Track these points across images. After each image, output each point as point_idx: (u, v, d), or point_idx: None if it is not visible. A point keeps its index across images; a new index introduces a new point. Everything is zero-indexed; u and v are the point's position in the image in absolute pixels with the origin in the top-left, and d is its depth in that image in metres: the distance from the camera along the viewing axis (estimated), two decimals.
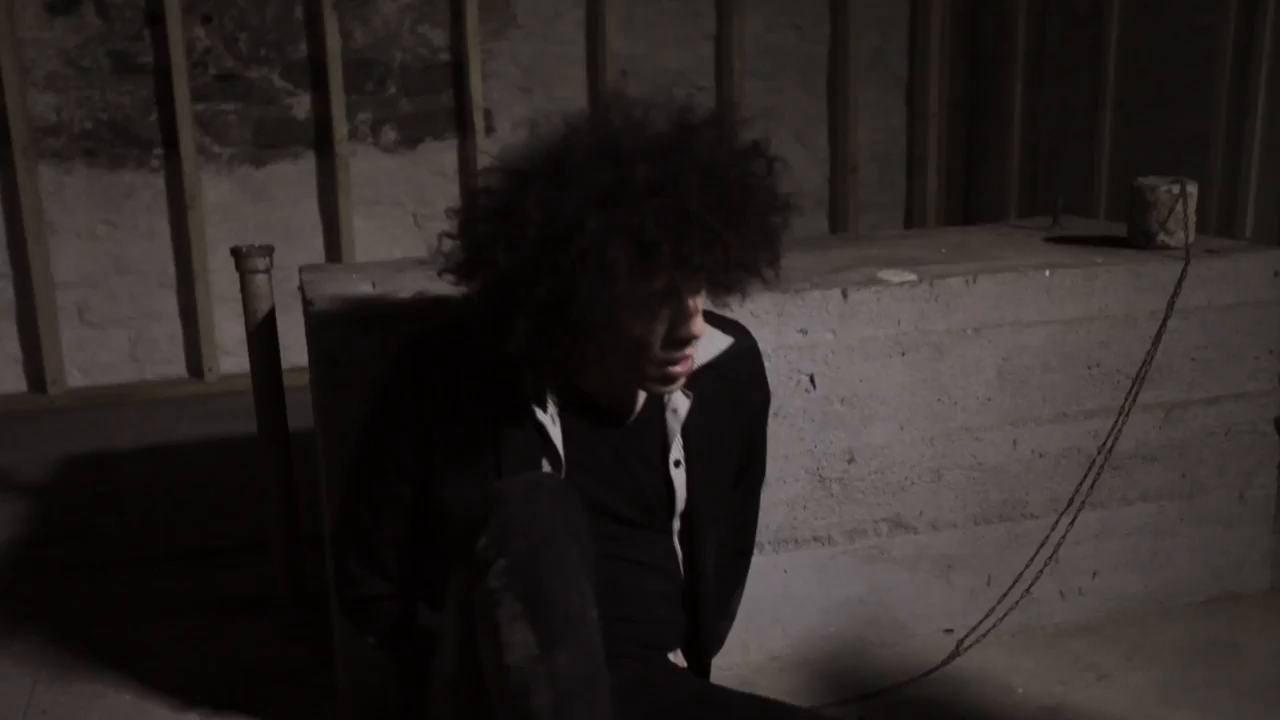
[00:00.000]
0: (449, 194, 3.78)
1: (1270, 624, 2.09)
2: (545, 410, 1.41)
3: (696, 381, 1.45)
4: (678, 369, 1.36)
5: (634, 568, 1.48)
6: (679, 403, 1.46)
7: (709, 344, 1.48)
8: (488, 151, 3.76)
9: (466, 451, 1.42)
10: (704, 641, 1.57)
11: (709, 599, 1.55)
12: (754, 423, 1.60)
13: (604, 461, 1.45)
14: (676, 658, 1.56)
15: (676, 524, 1.51)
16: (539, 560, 1.23)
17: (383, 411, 1.46)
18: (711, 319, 1.50)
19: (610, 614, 1.35)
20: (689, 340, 1.33)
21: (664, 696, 1.46)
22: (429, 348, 1.43)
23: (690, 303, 1.31)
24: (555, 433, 1.42)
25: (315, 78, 3.65)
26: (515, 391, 1.41)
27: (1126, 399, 2.03)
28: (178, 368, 3.71)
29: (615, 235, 1.23)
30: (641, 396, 1.47)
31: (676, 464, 1.47)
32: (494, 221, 1.31)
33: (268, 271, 2.10)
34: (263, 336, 2.09)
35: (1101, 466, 2.03)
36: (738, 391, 1.54)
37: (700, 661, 1.58)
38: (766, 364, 1.83)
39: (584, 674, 1.21)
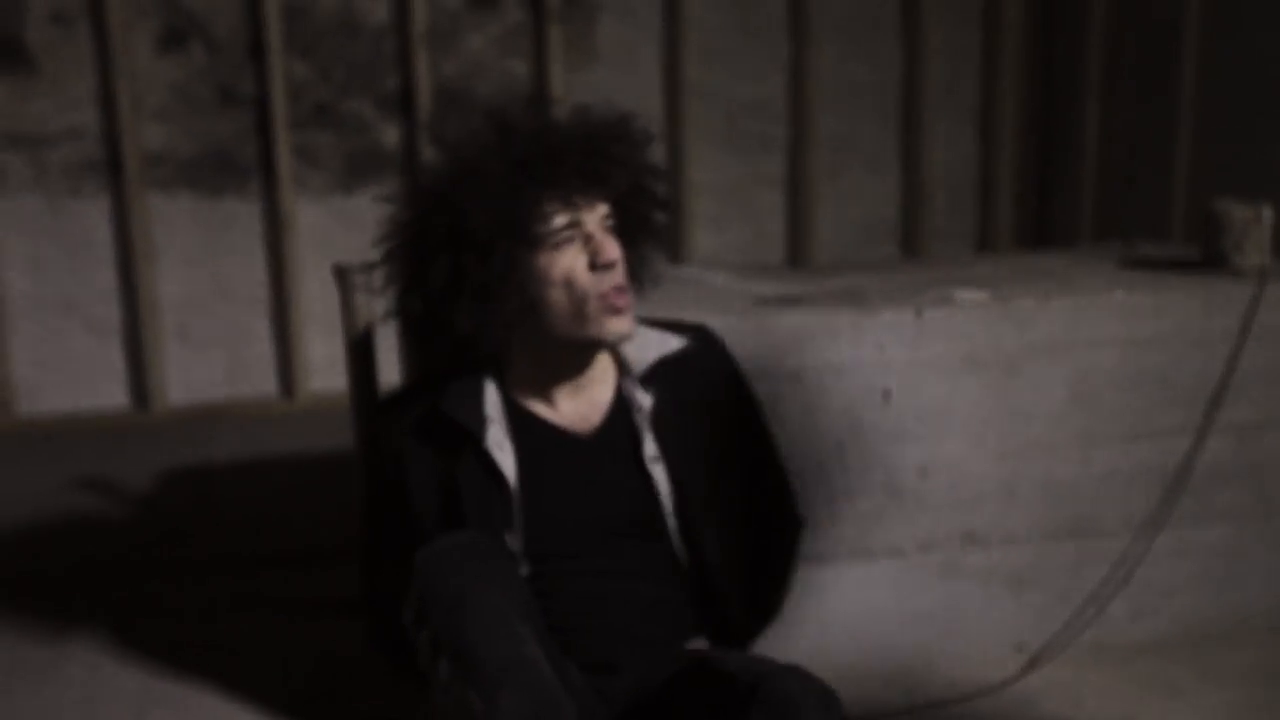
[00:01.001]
0: None
1: None
2: (486, 439, 1.48)
3: (654, 379, 1.53)
4: (617, 298, 1.44)
5: (624, 578, 1.52)
6: (642, 400, 1.52)
7: (661, 343, 1.57)
8: None
9: (435, 500, 1.51)
10: (734, 633, 1.60)
11: (725, 592, 1.57)
12: (737, 415, 1.64)
13: (575, 479, 1.51)
14: (700, 644, 1.59)
15: (673, 523, 1.53)
16: (458, 622, 1.33)
17: (389, 488, 1.56)
18: (667, 325, 1.60)
19: (603, 625, 1.45)
20: (610, 264, 1.43)
21: (658, 682, 1.49)
22: (391, 410, 1.55)
23: (595, 230, 1.44)
24: (504, 458, 1.48)
25: (404, 108, 3.80)
26: (469, 429, 1.49)
27: (1204, 419, 2.04)
28: (270, 386, 3.86)
29: (498, 166, 1.41)
30: (602, 404, 1.53)
31: (654, 459, 1.52)
32: (406, 231, 1.48)
33: (367, 289, 2.21)
34: (360, 351, 2.20)
35: (1178, 486, 2.04)
36: (706, 387, 1.60)
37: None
38: (840, 378, 1.90)
39: (529, 711, 1.29)
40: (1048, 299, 2.00)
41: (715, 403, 1.60)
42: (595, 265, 1.45)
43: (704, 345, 1.64)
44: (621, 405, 1.55)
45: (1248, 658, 2.05)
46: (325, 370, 3.73)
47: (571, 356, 1.52)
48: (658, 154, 3.89)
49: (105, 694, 2.03)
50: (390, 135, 3.83)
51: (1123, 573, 2.08)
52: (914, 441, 1.98)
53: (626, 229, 1.51)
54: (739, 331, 1.90)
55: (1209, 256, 2.17)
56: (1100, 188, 3.75)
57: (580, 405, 1.54)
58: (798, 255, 4.07)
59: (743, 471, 1.63)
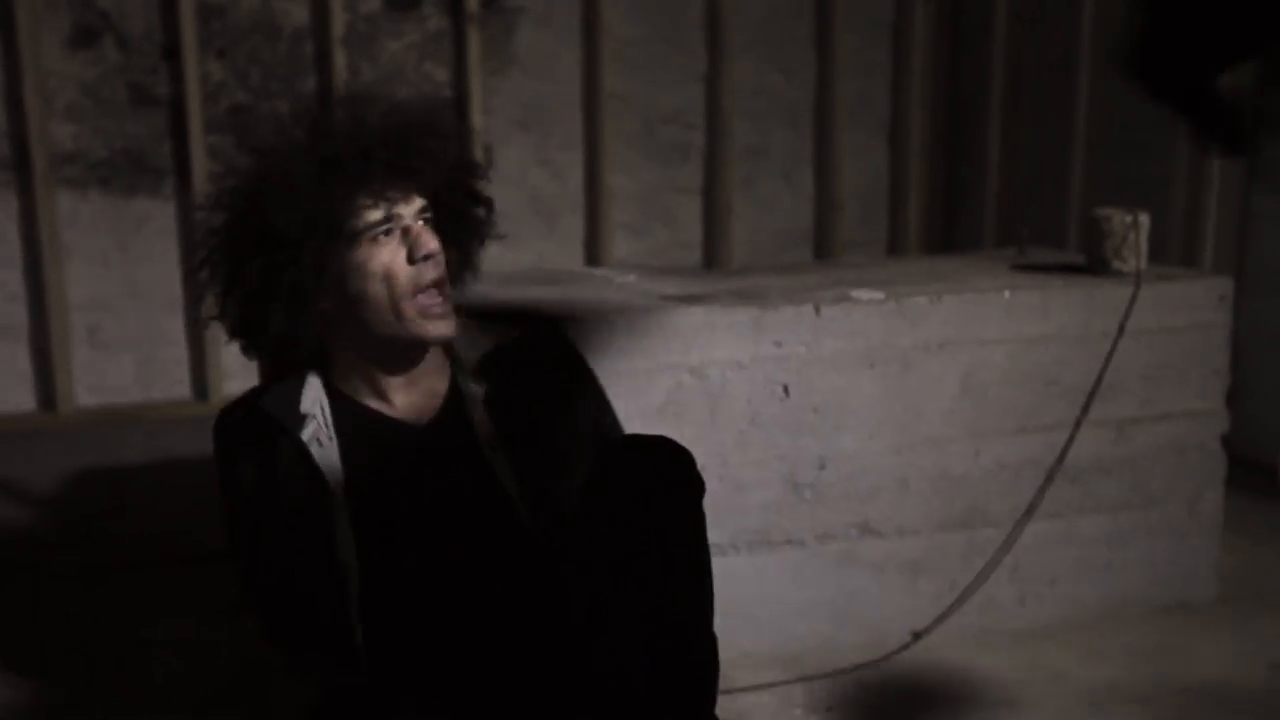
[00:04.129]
0: None
1: (1217, 631, 2.20)
2: (302, 433, 1.48)
3: (485, 369, 1.55)
4: (433, 299, 1.47)
5: (471, 574, 1.50)
6: (476, 390, 1.54)
7: (492, 333, 1.59)
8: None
9: (259, 501, 1.51)
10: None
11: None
12: (577, 402, 1.64)
13: (410, 470, 1.52)
14: None
15: (524, 511, 1.51)
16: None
17: (222, 484, 1.55)
18: (501, 316, 1.65)
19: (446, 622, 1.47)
20: (428, 255, 1.46)
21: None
22: (225, 421, 1.54)
23: (412, 224, 1.46)
24: (324, 453, 1.49)
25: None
26: (285, 426, 1.49)
27: (1081, 414, 2.16)
28: (183, 389, 3.83)
29: (305, 164, 1.44)
30: (437, 396, 1.54)
31: (493, 447, 1.52)
32: (218, 236, 1.48)
33: None
34: None
35: (1052, 478, 2.15)
36: (542, 375, 1.61)
37: None
38: (741, 373, 1.97)
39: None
40: (940, 298, 2.10)
41: (553, 390, 1.61)
42: (413, 258, 1.46)
43: (539, 334, 1.67)
44: (457, 396, 1.56)
45: (1127, 640, 2.17)
46: (240, 373, 3.71)
47: (399, 353, 1.53)
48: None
49: (12, 696, 2.02)
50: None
51: (1010, 561, 2.18)
52: (813, 435, 2.06)
53: (445, 224, 1.53)
54: (644, 326, 1.97)
55: (1092, 261, 2.29)
56: (1003, 198, 3.90)
57: (414, 397, 1.55)
58: (714, 261, 4.16)
59: (578, 464, 1.59)
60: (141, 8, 3.62)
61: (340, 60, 3.76)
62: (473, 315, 1.62)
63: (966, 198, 4.15)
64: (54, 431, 3.61)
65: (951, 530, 2.15)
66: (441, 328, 1.49)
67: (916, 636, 2.13)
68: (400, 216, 1.46)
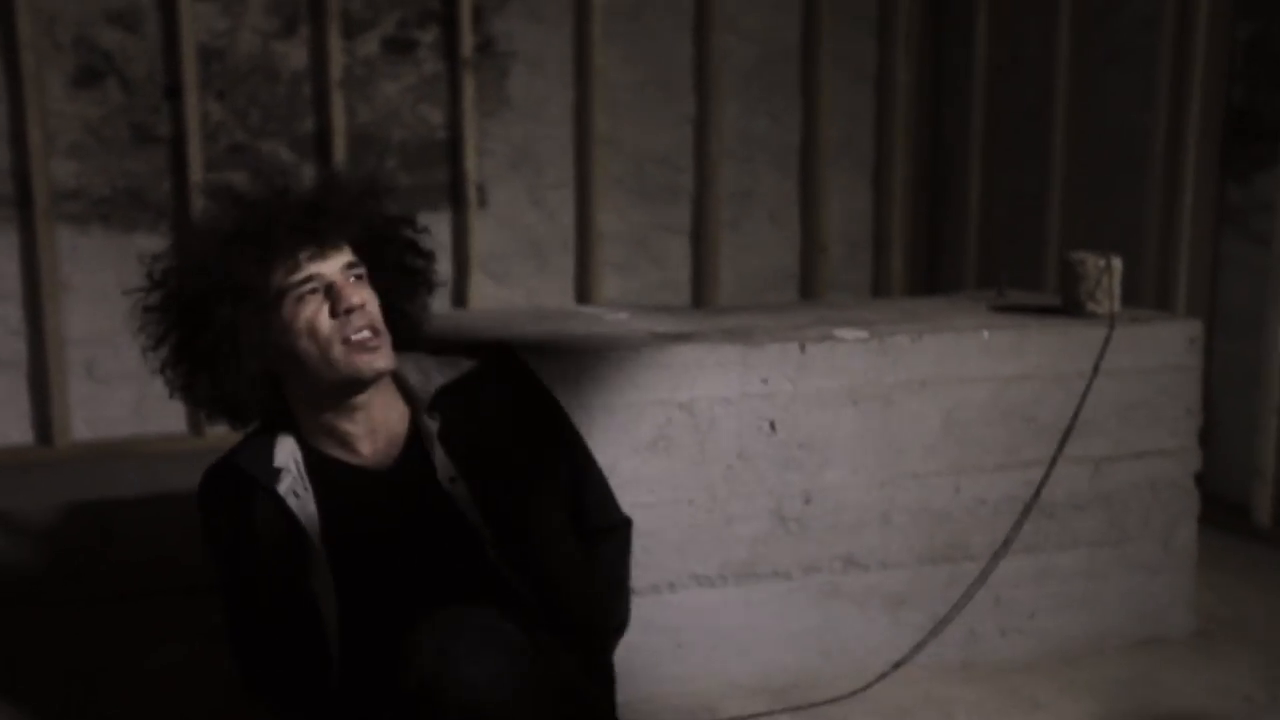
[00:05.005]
0: (442, 263, 3.97)
1: (1192, 665, 2.25)
2: (278, 486, 1.53)
3: (441, 404, 1.59)
4: (362, 334, 1.50)
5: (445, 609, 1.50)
6: (428, 426, 1.58)
7: (445, 368, 1.63)
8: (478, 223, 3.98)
9: (251, 563, 1.55)
10: (585, 647, 1.64)
11: (564, 605, 1.60)
12: (538, 428, 1.66)
13: (379, 514, 1.56)
14: None
15: (489, 540, 1.54)
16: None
17: (206, 542, 1.60)
18: (456, 351, 1.67)
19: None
20: (350, 309, 1.50)
21: None
22: (206, 481, 1.59)
23: (337, 279, 1.51)
24: (300, 505, 1.53)
25: (320, 151, 3.87)
26: (260, 481, 1.54)
27: (1056, 451, 2.21)
28: (178, 423, 3.86)
29: (212, 235, 1.52)
30: (398, 438, 1.58)
31: (451, 480, 1.55)
32: (145, 313, 1.55)
33: None
34: None
35: (1028, 513, 2.20)
36: (499, 405, 1.63)
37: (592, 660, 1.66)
38: (729, 409, 2.02)
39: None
40: (921, 337, 2.16)
41: (511, 419, 1.63)
42: (335, 312, 1.50)
43: (494, 364, 1.68)
44: (416, 435, 1.59)
45: (1106, 672, 2.21)
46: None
47: (346, 399, 1.55)
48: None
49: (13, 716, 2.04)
50: (306, 177, 3.88)
51: (990, 594, 2.22)
52: (798, 470, 2.11)
53: (381, 275, 1.58)
54: (634, 363, 2.02)
55: (1068, 303, 2.35)
56: (982, 242, 3.98)
57: (378, 443, 1.58)
58: (701, 301, 4.22)
59: (555, 482, 1.66)
60: (145, 50, 3.68)
61: (338, 102, 3.83)
62: (430, 351, 1.66)
63: (948, 241, 4.23)
64: (51, 464, 3.63)
65: (933, 564, 2.20)
66: (375, 361, 1.52)
67: (897, 667, 2.17)
68: (320, 275, 1.51)
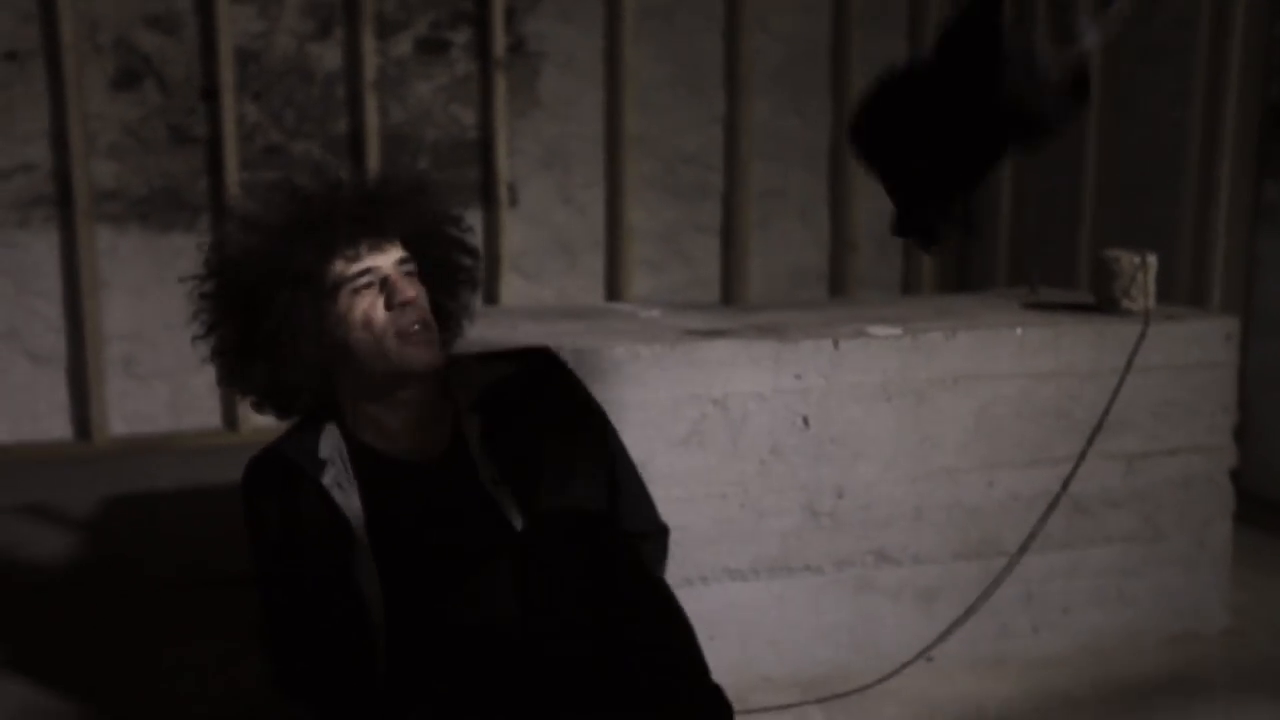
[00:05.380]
0: None
1: (1226, 659, 2.24)
2: (323, 478, 1.54)
3: (485, 406, 1.62)
4: (415, 328, 1.54)
5: (484, 606, 1.54)
6: (470, 426, 1.60)
7: (488, 371, 1.66)
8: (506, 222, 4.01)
9: (297, 553, 1.56)
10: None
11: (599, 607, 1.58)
12: (578, 433, 1.67)
13: (422, 509, 1.57)
14: None
15: (530, 543, 1.54)
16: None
17: (251, 534, 1.60)
18: (500, 353, 1.70)
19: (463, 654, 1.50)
20: (404, 302, 1.54)
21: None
22: (251, 469, 1.60)
23: (391, 274, 1.54)
24: (345, 497, 1.55)
25: (354, 151, 3.91)
26: (305, 470, 1.55)
27: (1085, 447, 2.20)
28: (213, 419, 3.91)
29: (277, 225, 1.56)
30: (443, 436, 1.59)
31: (495, 482, 1.58)
32: (205, 298, 1.57)
33: None
34: None
35: (1055, 506, 2.19)
36: (540, 408, 1.64)
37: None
38: (763, 404, 2.03)
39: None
40: (954, 333, 2.16)
41: (552, 423, 1.64)
42: (390, 304, 1.54)
43: (536, 368, 1.70)
44: (461, 435, 1.61)
45: (1139, 669, 2.20)
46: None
47: (395, 392, 1.58)
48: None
49: (47, 713, 2.07)
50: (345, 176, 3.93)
51: (1023, 590, 2.22)
52: (831, 465, 2.11)
53: (429, 272, 1.61)
54: (668, 360, 2.03)
55: (1101, 300, 2.35)
56: (1014, 240, 3.97)
57: (422, 439, 1.61)
58: (731, 298, 4.23)
59: (594, 486, 1.66)
60: (182, 52, 3.74)
61: (371, 102, 3.87)
62: (472, 355, 1.69)
63: (979, 240, 4.22)
64: (89, 459, 3.69)
65: (966, 559, 2.20)
66: (423, 354, 1.56)
67: (930, 661, 2.17)
68: (377, 268, 1.55)
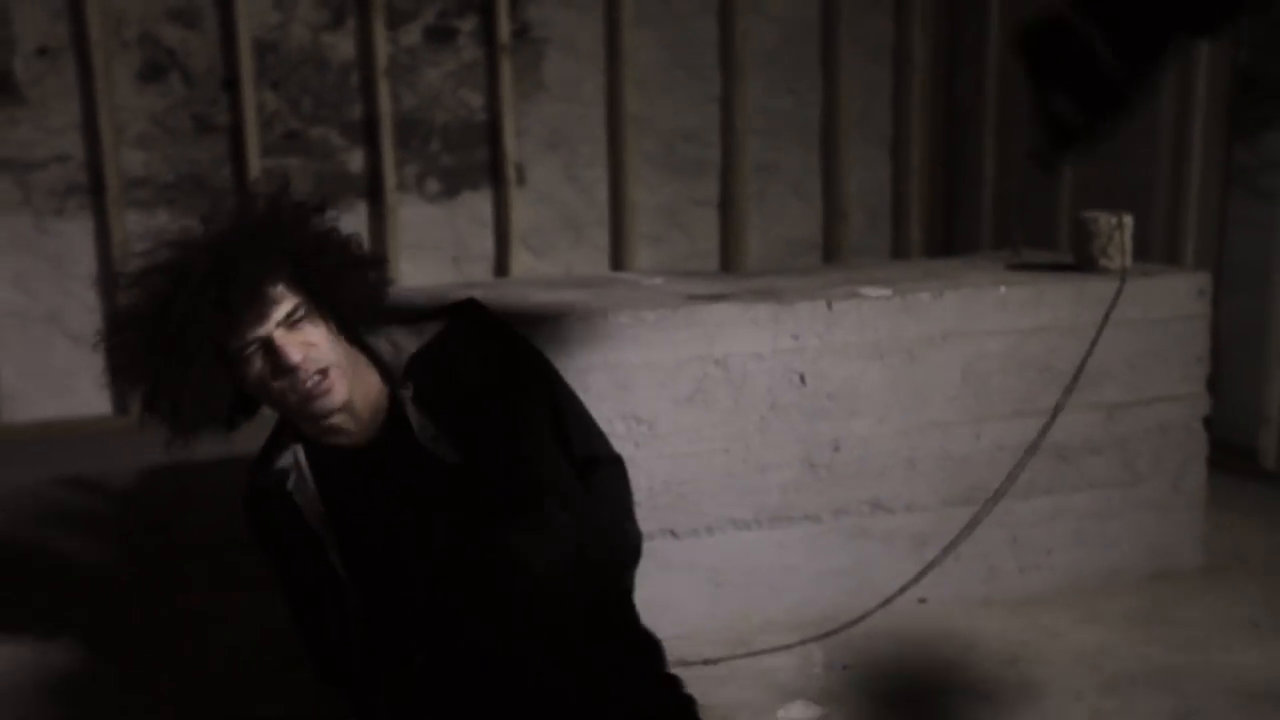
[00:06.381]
0: (484, 239, 4.03)
1: (1200, 596, 2.26)
2: (289, 485, 1.55)
3: (414, 370, 1.59)
4: (309, 383, 1.48)
5: (451, 568, 1.53)
6: (404, 393, 1.58)
7: (414, 338, 1.62)
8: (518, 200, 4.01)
9: (291, 564, 1.60)
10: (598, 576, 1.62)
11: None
12: (514, 372, 1.64)
13: (374, 485, 1.57)
14: None
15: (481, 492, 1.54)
16: None
17: (264, 554, 1.64)
18: (427, 311, 1.66)
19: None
20: (288, 370, 1.46)
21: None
22: (244, 507, 1.62)
23: (276, 335, 1.46)
24: (303, 496, 1.55)
25: (368, 136, 3.91)
26: (270, 487, 1.57)
27: (1062, 398, 2.22)
28: None
29: (146, 325, 1.47)
30: (376, 411, 1.57)
31: (432, 438, 1.55)
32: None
33: None
34: None
35: (1033, 452, 2.21)
36: (472, 358, 1.61)
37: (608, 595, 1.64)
38: (762, 363, 2.04)
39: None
40: (941, 294, 2.17)
41: (485, 368, 1.62)
42: (280, 373, 1.48)
43: (463, 321, 1.67)
44: (398, 406, 1.59)
45: (1119, 605, 2.23)
46: None
47: (325, 421, 1.55)
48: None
49: (101, 657, 2.11)
50: (355, 160, 3.93)
51: (1009, 534, 2.24)
52: (827, 420, 2.13)
53: (325, 285, 1.53)
54: (672, 323, 2.05)
55: (1080, 259, 2.35)
56: (998, 208, 3.97)
57: (362, 423, 1.58)
58: (729, 268, 4.23)
59: (538, 422, 1.63)
60: (204, 45, 3.73)
61: (384, 89, 3.86)
62: (402, 320, 1.65)
63: (963, 208, 4.22)
64: (127, 433, 3.72)
65: (955, 505, 2.22)
66: (330, 402, 1.51)
67: (923, 603, 2.20)
68: (258, 337, 1.47)
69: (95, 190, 3.67)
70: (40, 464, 3.36)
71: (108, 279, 3.72)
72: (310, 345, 1.50)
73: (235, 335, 1.47)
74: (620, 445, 1.79)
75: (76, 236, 3.70)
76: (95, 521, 2.89)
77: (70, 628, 2.24)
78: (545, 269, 4.12)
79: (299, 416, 1.54)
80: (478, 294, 1.81)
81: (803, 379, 2.11)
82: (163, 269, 1.49)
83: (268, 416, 1.62)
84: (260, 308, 1.47)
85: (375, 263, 1.63)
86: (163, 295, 1.47)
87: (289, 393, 1.49)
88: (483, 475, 1.56)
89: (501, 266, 4.01)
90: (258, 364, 1.48)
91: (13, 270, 3.68)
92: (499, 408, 1.60)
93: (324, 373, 1.50)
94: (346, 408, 1.54)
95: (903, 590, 2.18)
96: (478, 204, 4.08)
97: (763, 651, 2.04)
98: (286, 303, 1.49)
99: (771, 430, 2.11)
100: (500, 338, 1.68)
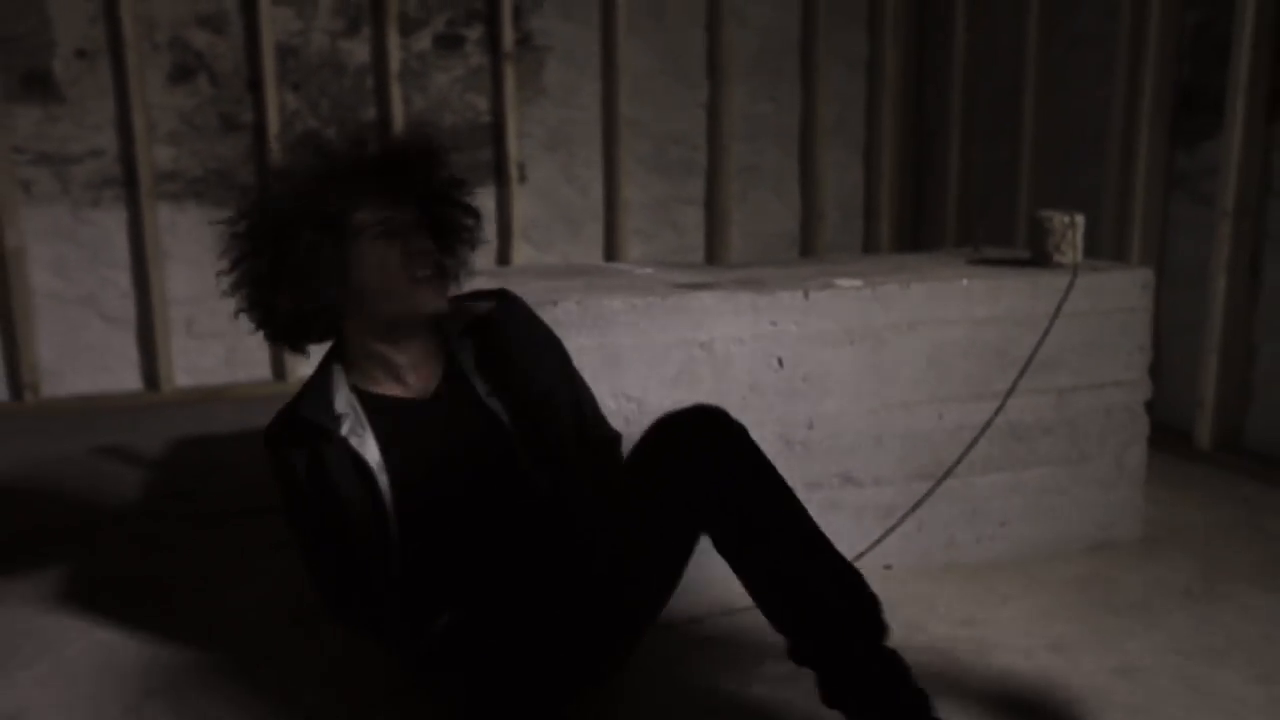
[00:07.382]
0: (488, 231, 4.02)
1: (1139, 563, 2.28)
2: (343, 429, 1.52)
3: (471, 337, 1.63)
4: (425, 272, 1.54)
5: (492, 524, 1.56)
6: (465, 355, 1.61)
7: (470, 309, 1.66)
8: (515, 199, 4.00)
9: (326, 500, 1.55)
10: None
11: (576, 509, 1.61)
12: (544, 355, 1.69)
13: (431, 438, 1.57)
14: None
15: (521, 452, 1.57)
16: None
17: (283, 485, 1.59)
18: (473, 295, 1.70)
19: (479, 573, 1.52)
20: (420, 251, 1.53)
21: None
22: (273, 434, 1.58)
23: (407, 228, 1.53)
24: (363, 445, 1.53)
25: (382, 136, 3.89)
26: (325, 427, 1.54)
27: (1013, 383, 2.23)
28: (264, 371, 3.93)
29: (309, 175, 1.54)
30: (438, 370, 1.60)
31: (489, 395, 1.59)
32: (241, 240, 1.54)
33: None
34: None
35: (986, 430, 2.22)
36: (514, 336, 1.66)
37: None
38: (743, 347, 2.04)
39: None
40: (909, 285, 2.18)
41: (523, 347, 1.67)
42: (407, 253, 1.53)
43: (505, 304, 1.71)
44: (454, 365, 1.62)
45: (1065, 572, 2.24)
46: (315, 356, 3.80)
47: (398, 332, 1.58)
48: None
49: (131, 617, 2.11)
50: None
51: (968, 507, 2.26)
52: (802, 400, 2.14)
53: (437, 229, 1.61)
54: (660, 309, 2.05)
55: (1036, 255, 2.36)
56: (961, 206, 3.98)
57: (420, 377, 1.60)
58: (714, 261, 4.24)
59: (561, 401, 1.67)
60: (230, 49, 3.71)
61: (396, 92, 3.85)
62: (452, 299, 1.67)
63: (930, 208, 4.23)
64: (157, 407, 3.71)
65: (919, 480, 2.23)
66: (434, 299, 1.56)
67: (888, 569, 2.21)
68: (395, 219, 1.54)
69: (128, 183, 3.66)
70: (77, 435, 3.36)
71: (139, 265, 3.71)
72: (431, 246, 1.57)
73: (376, 210, 1.52)
74: (613, 420, 1.81)
75: (111, 226, 3.69)
76: (128, 488, 2.89)
77: (110, 582, 2.24)
78: (544, 260, 4.12)
79: (392, 309, 1.54)
80: (484, 283, 1.81)
81: (780, 362, 2.11)
82: (337, 143, 1.57)
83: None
84: (404, 194, 1.54)
85: (476, 236, 1.68)
86: (331, 150, 1.55)
87: (403, 278, 1.52)
88: (531, 434, 1.59)
89: (504, 257, 4.01)
90: (383, 247, 1.52)
91: (52, 257, 3.66)
92: (533, 385, 1.63)
93: (441, 272, 1.56)
94: (426, 330, 1.59)
95: (867, 551, 2.19)
96: (482, 200, 4.05)
97: (742, 609, 2.04)
98: (417, 206, 1.57)
99: (751, 409, 2.11)
100: (535, 326, 1.72)
